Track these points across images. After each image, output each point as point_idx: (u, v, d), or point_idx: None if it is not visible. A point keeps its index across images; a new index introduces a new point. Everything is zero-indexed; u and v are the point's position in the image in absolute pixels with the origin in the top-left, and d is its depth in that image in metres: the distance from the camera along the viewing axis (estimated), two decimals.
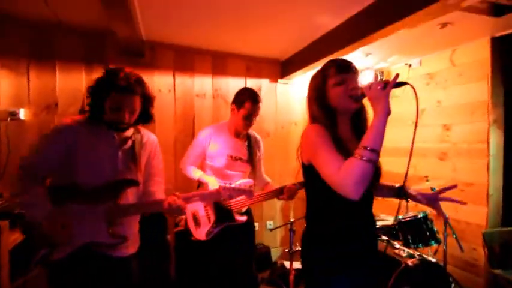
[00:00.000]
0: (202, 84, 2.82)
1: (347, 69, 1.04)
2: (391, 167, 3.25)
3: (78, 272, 1.09)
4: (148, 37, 2.52)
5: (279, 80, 3.17)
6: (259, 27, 2.35)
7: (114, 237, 1.13)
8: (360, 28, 1.98)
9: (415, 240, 2.21)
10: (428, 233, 2.21)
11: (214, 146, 1.80)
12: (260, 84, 3.10)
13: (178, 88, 2.72)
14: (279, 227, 2.62)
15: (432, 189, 2.42)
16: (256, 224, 3.04)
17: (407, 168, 0.97)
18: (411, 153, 0.96)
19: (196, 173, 1.78)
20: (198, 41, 2.66)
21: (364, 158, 0.85)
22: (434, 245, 2.25)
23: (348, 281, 1.03)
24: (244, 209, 1.86)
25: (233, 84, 2.95)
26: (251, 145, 1.88)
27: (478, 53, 2.50)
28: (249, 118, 1.75)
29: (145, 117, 1.26)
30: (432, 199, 1.17)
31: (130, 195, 1.21)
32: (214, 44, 2.72)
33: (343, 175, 0.87)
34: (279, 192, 1.74)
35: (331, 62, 1.08)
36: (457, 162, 2.68)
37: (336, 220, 1.06)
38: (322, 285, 1.06)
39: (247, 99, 1.74)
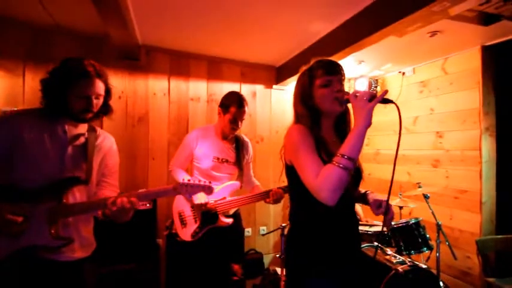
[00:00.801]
0: (197, 88, 2.85)
1: (334, 71, 1.05)
2: (384, 175, 3.30)
3: (14, 279, 1.00)
4: (145, 41, 2.57)
5: (274, 86, 3.20)
6: (254, 33, 2.40)
7: (57, 239, 1.03)
8: (350, 34, 2.02)
9: (407, 246, 2.19)
10: (420, 240, 2.19)
11: (201, 147, 1.81)
12: (255, 90, 3.13)
13: (172, 92, 2.74)
14: (271, 232, 2.60)
15: (425, 195, 2.42)
16: (249, 230, 3.03)
17: (392, 177, 0.97)
18: (395, 162, 0.95)
19: (184, 178, 1.78)
20: (194, 47, 2.70)
21: (341, 166, 0.87)
22: (427, 252, 2.22)
23: (325, 283, 1.02)
24: (231, 211, 1.85)
25: (227, 89, 2.88)
26: (239, 148, 1.88)
27: (469, 62, 2.54)
28: (235, 122, 1.76)
29: (106, 109, 1.21)
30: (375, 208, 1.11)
31: (78, 196, 1.12)
32: (209, 49, 2.77)
33: (320, 181, 0.90)
34: (265, 196, 1.73)
35: (319, 62, 1.08)
36: (450, 169, 2.69)
37: (317, 221, 1.06)
38: (299, 286, 1.06)
39: (233, 104, 1.75)
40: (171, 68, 2.74)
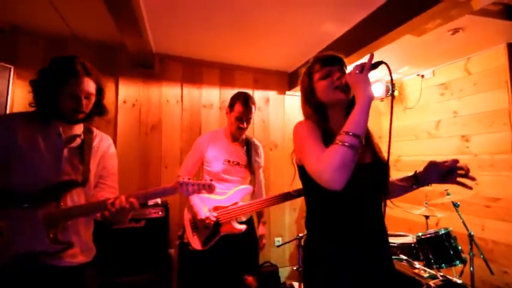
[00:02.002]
0: (209, 95, 2.83)
1: (331, 62, 1.01)
2: None
3: (15, 285, 0.96)
4: (158, 50, 2.59)
5: (287, 92, 3.15)
6: (266, 36, 2.37)
7: (56, 244, 1.00)
8: (364, 35, 1.95)
9: (437, 259, 2.00)
10: (451, 252, 2.00)
11: (212, 150, 1.77)
12: (268, 96, 3.09)
13: (185, 99, 2.74)
14: (287, 242, 2.46)
15: (454, 204, 2.24)
16: None
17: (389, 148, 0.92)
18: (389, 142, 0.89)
19: (184, 178, 1.76)
20: (206, 54, 2.71)
21: (346, 144, 0.80)
22: (459, 266, 2.03)
23: None
24: (244, 218, 1.76)
25: None
26: (250, 150, 1.83)
27: (495, 60, 2.40)
28: (241, 120, 1.72)
29: (100, 109, 1.18)
30: (445, 175, 1.01)
31: (77, 198, 1.09)
32: (222, 57, 2.76)
33: (323, 162, 0.83)
34: (281, 199, 1.66)
35: (315, 58, 1.07)
36: (479, 175, 2.49)
37: (335, 225, 0.97)
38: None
39: (238, 101, 1.73)
40: (184, 75, 2.74)
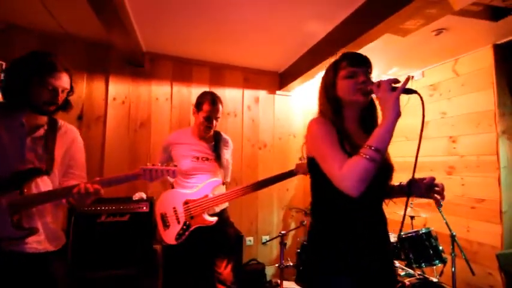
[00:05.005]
0: (199, 93, 2.86)
1: (359, 63, 1.03)
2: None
3: None
4: (148, 49, 2.64)
5: (278, 92, 3.17)
6: (255, 39, 2.40)
7: (18, 229, 1.04)
8: (346, 34, 1.96)
9: (417, 259, 2.01)
10: (431, 251, 2.01)
11: (178, 149, 1.81)
12: (258, 95, 3.11)
13: (175, 97, 2.78)
14: (272, 239, 2.48)
15: (438, 205, 2.23)
16: (250, 239, 2.93)
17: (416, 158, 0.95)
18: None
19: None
20: (196, 53, 2.75)
21: (367, 157, 0.86)
22: (440, 265, 2.03)
23: (344, 281, 0.97)
24: (218, 209, 1.78)
25: (230, 95, 2.99)
26: (218, 144, 1.86)
27: (482, 61, 2.40)
28: (209, 119, 1.74)
29: (66, 105, 1.22)
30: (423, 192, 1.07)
31: (42, 186, 1.13)
32: (212, 56, 2.80)
33: (346, 171, 0.88)
34: (248, 189, 1.72)
35: (344, 55, 1.08)
36: (465, 176, 2.49)
37: (339, 216, 1.02)
38: (323, 284, 1.01)
39: (205, 101, 1.75)
40: (174, 73, 2.79)
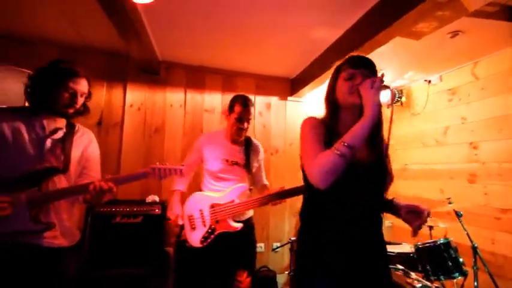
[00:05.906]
0: (212, 100, 2.94)
1: (359, 65, 1.02)
2: (420, 192, 2.98)
3: None
4: (164, 57, 2.75)
5: (289, 98, 3.18)
6: (267, 45, 2.44)
7: (36, 223, 1.11)
8: (356, 39, 1.96)
9: (435, 271, 1.90)
10: (450, 263, 1.90)
11: (210, 150, 1.82)
12: (269, 102, 3.14)
13: (188, 103, 2.86)
14: (283, 245, 2.44)
15: (457, 213, 2.12)
16: (261, 245, 2.90)
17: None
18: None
19: (177, 184, 1.84)
20: (209, 61, 2.83)
21: (338, 153, 0.87)
22: (460, 278, 1.91)
23: (326, 284, 0.96)
24: (244, 217, 1.79)
25: None
26: (249, 150, 1.86)
27: (502, 64, 2.30)
28: (241, 121, 1.76)
29: (84, 108, 1.32)
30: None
31: (59, 184, 1.20)
32: (224, 63, 2.87)
33: (315, 164, 0.92)
34: (276, 196, 1.68)
35: (347, 58, 1.08)
36: (489, 184, 2.35)
37: (325, 220, 1.02)
38: (300, 285, 1.04)
39: (237, 103, 1.78)
40: (188, 81, 2.88)
